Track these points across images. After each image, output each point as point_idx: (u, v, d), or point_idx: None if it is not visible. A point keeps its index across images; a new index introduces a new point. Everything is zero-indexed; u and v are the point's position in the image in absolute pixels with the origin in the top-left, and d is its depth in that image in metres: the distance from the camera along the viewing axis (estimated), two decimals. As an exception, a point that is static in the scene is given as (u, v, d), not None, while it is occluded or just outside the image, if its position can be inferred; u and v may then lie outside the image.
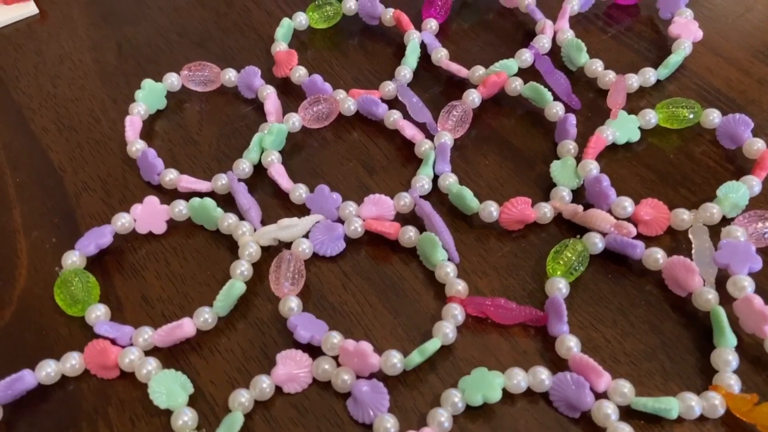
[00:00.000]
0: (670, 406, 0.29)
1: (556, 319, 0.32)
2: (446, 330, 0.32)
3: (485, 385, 0.30)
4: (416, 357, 0.31)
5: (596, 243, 0.34)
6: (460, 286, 0.33)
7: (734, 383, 0.30)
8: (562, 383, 0.30)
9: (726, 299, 0.32)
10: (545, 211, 0.35)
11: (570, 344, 0.31)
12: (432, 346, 0.31)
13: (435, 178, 0.37)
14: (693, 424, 0.29)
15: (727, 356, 0.30)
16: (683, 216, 0.35)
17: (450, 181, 0.36)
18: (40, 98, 0.43)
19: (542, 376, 0.30)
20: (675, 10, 0.43)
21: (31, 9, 0.47)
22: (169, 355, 0.33)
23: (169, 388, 0.31)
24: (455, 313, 0.32)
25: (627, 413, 0.30)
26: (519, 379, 0.30)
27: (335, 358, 0.32)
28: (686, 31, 0.42)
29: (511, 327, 0.33)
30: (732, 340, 0.31)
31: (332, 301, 0.34)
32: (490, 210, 0.35)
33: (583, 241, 0.34)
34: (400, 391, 0.31)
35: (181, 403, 0.30)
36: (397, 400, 0.31)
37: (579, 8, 0.44)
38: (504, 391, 0.30)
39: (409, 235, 0.35)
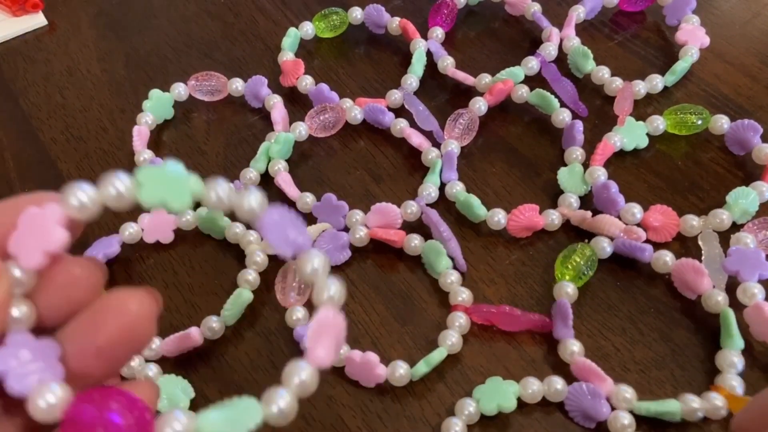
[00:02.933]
0: (672, 408, 0.29)
1: (561, 323, 0.32)
2: (451, 339, 0.32)
3: (500, 394, 0.30)
4: (422, 367, 0.31)
5: (604, 247, 0.34)
6: (464, 294, 0.33)
7: (737, 385, 0.29)
8: (577, 393, 0.30)
9: (737, 307, 0.32)
10: (553, 218, 0.35)
11: (573, 348, 0.31)
12: (438, 355, 0.31)
13: (442, 186, 0.37)
14: (699, 427, 0.29)
15: (732, 358, 0.30)
16: (693, 222, 0.34)
17: (457, 189, 0.36)
18: (49, 108, 0.43)
19: (557, 386, 0.30)
20: (681, 16, 0.43)
21: (39, 20, 0.48)
22: (177, 365, 0.33)
23: (170, 393, 0.31)
24: (460, 321, 0.32)
25: (636, 421, 0.30)
26: (534, 389, 0.30)
27: (341, 368, 0.32)
28: (693, 38, 0.41)
29: (518, 334, 0.33)
30: (739, 342, 0.30)
31: (343, 310, 0.34)
32: (498, 218, 0.35)
33: (591, 245, 0.34)
34: (409, 401, 0.31)
35: (183, 407, 0.30)
36: (406, 410, 0.31)
37: (585, 15, 0.44)
38: (519, 400, 0.30)
39: (414, 243, 0.35)
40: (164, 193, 0.19)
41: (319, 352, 0.19)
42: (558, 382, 0.30)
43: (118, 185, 0.18)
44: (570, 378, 0.31)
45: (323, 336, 0.20)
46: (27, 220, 0.19)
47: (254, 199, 0.19)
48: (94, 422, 0.17)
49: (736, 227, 0.35)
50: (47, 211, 0.18)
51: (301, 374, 0.19)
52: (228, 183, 0.19)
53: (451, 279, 0.33)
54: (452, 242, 0.34)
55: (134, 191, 0.19)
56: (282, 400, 0.18)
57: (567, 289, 0.33)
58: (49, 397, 0.17)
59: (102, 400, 0.17)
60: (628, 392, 0.30)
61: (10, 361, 0.17)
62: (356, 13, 0.45)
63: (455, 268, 0.34)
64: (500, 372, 0.31)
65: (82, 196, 0.18)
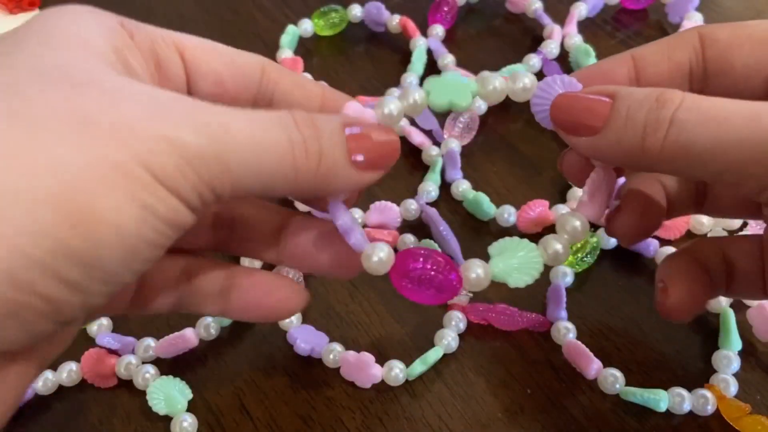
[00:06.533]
0: (659, 396, 0.29)
1: (554, 305, 0.32)
2: (447, 338, 0.31)
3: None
4: (418, 366, 0.31)
5: (609, 238, 0.34)
6: (460, 294, 0.33)
7: (731, 385, 0.29)
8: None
9: (741, 308, 0.31)
10: (563, 213, 0.35)
11: (565, 330, 0.31)
12: (434, 354, 0.31)
13: (442, 186, 0.37)
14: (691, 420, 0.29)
15: (728, 358, 0.30)
16: (702, 220, 0.34)
17: (464, 187, 0.36)
18: (46, 107, 0.43)
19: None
20: (684, 14, 0.42)
21: (37, 18, 0.47)
22: (174, 366, 0.32)
23: (168, 395, 0.30)
24: (456, 320, 0.32)
25: (619, 405, 0.30)
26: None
27: (337, 369, 0.31)
28: (696, 36, 0.41)
29: (516, 333, 0.32)
30: (736, 343, 0.30)
31: (339, 310, 0.34)
32: (508, 214, 0.35)
33: (597, 234, 0.34)
34: (408, 402, 0.31)
35: (180, 409, 0.30)
36: (406, 410, 0.30)
37: (587, 13, 0.43)
38: None
39: (407, 242, 0.34)
40: (451, 96, 0.23)
41: (592, 206, 0.23)
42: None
43: (416, 96, 0.23)
44: (563, 365, 0.31)
45: (597, 194, 0.23)
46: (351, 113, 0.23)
47: (527, 80, 0.23)
48: (417, 272, 0.22)
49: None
50: (365, 114, 0.23)
51: (575, 222, 0.22)
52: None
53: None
54: (451, 241, 0.34)
55: (426, 98, 0.23)
56: (558, 244, 0.22)
57: (563, 272, 0.33)
58: (381, 254, 0.22)
59: (424, 256, 0.22)
60: (616, 376, 0.30)
61: (350, 223, 0.23)
62: (356, 11, 0.44)
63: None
64: (499, 371, 0.31)
65: (392, 107, 0.23)
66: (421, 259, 0.22)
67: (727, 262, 0.26)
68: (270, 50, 0.45)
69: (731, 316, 0.31)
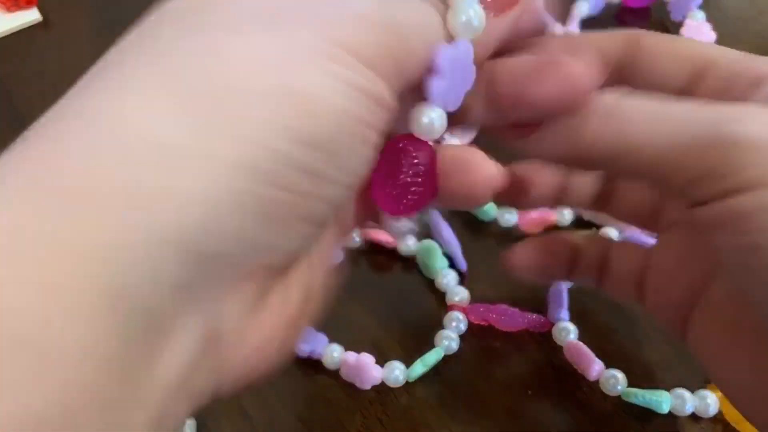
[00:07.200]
0: (662, 398, 0.29)
1: (555, 306, 0.32)
2: (448, 339, 0.31)
3: None
4: (419, 368, 0.31)
5: (611, 238, 0.33)
6: (461, 294, 0.33)
7: None
8: None
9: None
10: (564, 213, 0.35)
11: (566, 330, 0.31)
12: (434, 356, 0.31)
13: (443, 185, 0.37)
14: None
15: None
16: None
17: (465, 187, 0.36)
18: (43, 107, 0.42)
19: None
20: (687, 12, 0.42)
21: (34, 17, 0.47)
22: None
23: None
24: (457, 321, 0.32)
25: (621, 407, 0.30)
26: None
27: (336, 370, 0.31)
28: (698, 34, 0.41)
29: (517, 334, 0.32)
30: None
31: (339, 311, 0.33)
32: (509, 215, 0.35)
33: (598, 232, 0.34)
34: (409, 403, 0.31)
35: None
36: (406, 411, 0.30)
37: (589, 11, 0.43)
38: None
39: (407, 244, 0.34)
40: None
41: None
42: None
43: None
44: (564, 366, 0.31)
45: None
46: None
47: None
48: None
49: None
50: None
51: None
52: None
53: (447, 279, 0.33)
54: (452, 242, 0.34)
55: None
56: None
57: None
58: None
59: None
60: (618, 377, 0.30)
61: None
62: (356, 9, 0.44)
63: (453, 267, 0.34)
64: (500, 372, 0.31)
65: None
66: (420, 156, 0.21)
67: (604, 260, 0.27)
68: (269, 49, 0.44)
69: None
